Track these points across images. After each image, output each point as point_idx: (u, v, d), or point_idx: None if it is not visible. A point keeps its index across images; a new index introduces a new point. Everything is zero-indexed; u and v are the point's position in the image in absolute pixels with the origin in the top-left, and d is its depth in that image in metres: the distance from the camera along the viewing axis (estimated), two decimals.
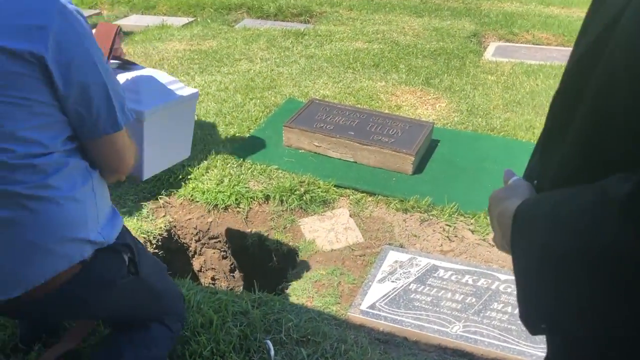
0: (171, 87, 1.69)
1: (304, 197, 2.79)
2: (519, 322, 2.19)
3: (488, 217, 2.57)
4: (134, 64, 1.76)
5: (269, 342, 1.53)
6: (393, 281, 2.31)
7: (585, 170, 0.68)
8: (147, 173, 1.70)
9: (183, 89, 1.72)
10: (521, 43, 5.17)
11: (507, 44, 5.13)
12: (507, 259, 2.44)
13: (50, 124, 1.23)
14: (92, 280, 1.37)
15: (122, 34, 1.68)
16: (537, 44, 5.12)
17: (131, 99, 1.52)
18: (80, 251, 1.31)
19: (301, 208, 2.78)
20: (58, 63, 1.16)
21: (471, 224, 2.63)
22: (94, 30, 1.54)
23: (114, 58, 1.69)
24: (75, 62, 1.19)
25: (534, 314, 0.70)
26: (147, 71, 1.71)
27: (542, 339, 2.00)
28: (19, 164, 1.19)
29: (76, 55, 1.20)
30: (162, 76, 1.71)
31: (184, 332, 1.90)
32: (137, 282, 1.48)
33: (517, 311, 2.10)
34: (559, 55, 4.72)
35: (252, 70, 4.29)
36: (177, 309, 1.73)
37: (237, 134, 3.33)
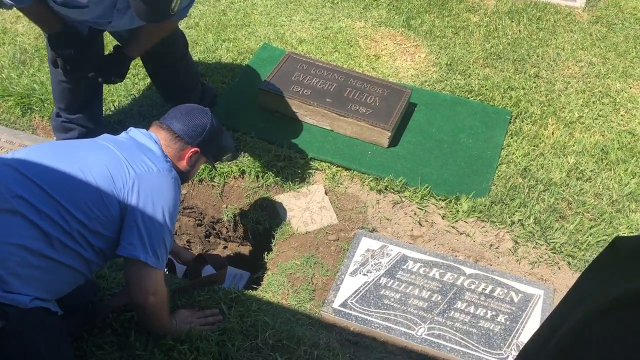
0: None
1: (281, 174, 2.80)
2: (480, 324, 2.35)
3: (459, 203, 2.64)
4: None
5: None
6: (364, 274, 2.42)
7: None
8: None
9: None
10: None
11: None
12: (473, 248, 2.56)
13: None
14: None
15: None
16: None
17: None
18: None
19: (277, 184, 2.79)
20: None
21: (442, 207, 2.71)
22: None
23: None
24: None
25: None
26: None
27: (499, 344, 2.19)
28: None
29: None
30: None
31: (167, 340, 2.00)
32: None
33: (479, 311, 2.26)
34: None
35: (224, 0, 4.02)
36: None
37: None
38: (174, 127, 1.94)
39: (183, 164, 1.97)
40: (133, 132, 1.93)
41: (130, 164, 1.73)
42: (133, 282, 1.79)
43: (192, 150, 1.96)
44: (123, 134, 1.94)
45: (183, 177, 2.00)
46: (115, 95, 3.18)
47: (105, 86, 2.93)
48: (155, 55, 2.60)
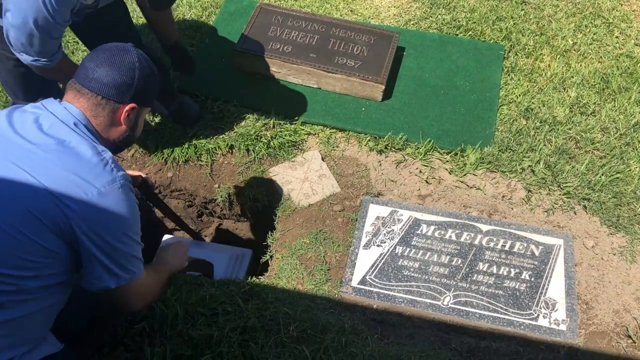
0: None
1: (272, 143, 2.59)
2: (505, 284, 2.26)
3: (465, 155, 2.50)
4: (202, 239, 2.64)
5: None
6: (378, 245, 2.30)
7: None
8: None
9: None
10: None
11: None
12: (485, 202, 2.45)
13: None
14: None
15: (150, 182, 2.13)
16: None
17: None
18: None
19: (269, 155, 2.59)
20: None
21: (447, 161, 2.56)
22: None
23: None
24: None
25: None
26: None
27: (528, 304, 2.12)
28: None
29: None
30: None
31: (185, 351, 1.86)
32: None
33: (502, 270, 2.18)
34: None
35: None
36: None
37: None
38: (95, 87, 1.47)
39: (122, 128, 1.55)
40: (45, 117, 1.43)
41: (60, 199, 1.32)
42: (118, 304, 1.58)
43: (127, 108, 1.52)
44: (31, 123, 1.41)
45: (127, 141, 1.60)
46: None
47: None
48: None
